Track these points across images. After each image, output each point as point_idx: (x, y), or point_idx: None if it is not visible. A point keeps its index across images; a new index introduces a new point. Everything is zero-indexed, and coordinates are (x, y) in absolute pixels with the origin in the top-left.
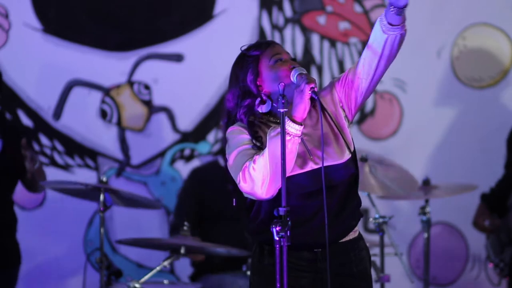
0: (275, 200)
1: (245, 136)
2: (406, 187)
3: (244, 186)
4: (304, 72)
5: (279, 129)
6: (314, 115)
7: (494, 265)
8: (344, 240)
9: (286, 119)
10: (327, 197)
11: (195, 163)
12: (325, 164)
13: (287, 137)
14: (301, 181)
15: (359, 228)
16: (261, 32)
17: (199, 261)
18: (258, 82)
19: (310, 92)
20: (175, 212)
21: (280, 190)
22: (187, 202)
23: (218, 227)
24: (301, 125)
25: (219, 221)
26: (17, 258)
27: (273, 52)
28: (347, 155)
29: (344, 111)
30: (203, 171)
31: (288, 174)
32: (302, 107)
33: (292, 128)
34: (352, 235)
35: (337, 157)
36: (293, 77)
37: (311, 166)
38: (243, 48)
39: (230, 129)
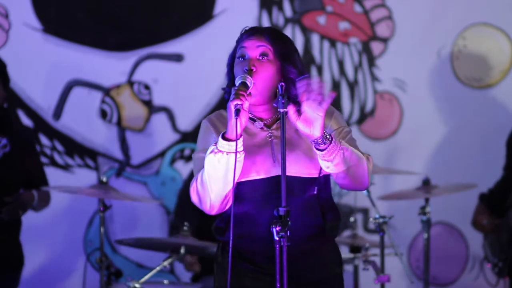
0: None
1: (208, 142)
2: None
3: (194, 200)
4: (240, 82)
5: (213, 148)
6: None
7: (493, 265)
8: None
9: (220, 136)
10: (286, 205)
11: None
12: (289, 174)
13: (220, 155)
14: (259, 186)
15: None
16: None
17: (194, 271)
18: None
19: (234, 109)
20: (174, 212)
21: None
22: (185, 203)
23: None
24: (232, 140)
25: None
26: (20, 260)
27: (242, 44)
28: (314, 174)
29: None
30: None
31: (247, 179)
32: (231, 124)
33: (223, 145)
34: (305, 247)
35: (302, 170)
36: (236, 83)
37: (273, 172)
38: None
39: (203, 122)
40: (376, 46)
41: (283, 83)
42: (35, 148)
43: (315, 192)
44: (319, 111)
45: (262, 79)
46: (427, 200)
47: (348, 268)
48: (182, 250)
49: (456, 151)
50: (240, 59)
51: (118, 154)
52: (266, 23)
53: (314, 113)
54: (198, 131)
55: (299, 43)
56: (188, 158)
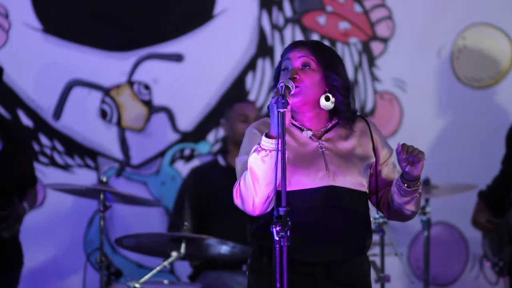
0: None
1: (254, 144)
2: None
3: (237, 203)
4: (282, 85)
5: (257, 147)
6: (344, 132)
7: (493, 264)
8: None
9: (263, 134)
10: (332, 215)
11: (195, 163)
12: (340, 184)
13: (263, 153)
14: (309, 196)
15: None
16: (261, 32)
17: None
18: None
19: (275, 104)
20: (172, 211)
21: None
22: (184, 202)
23: (217, 226)
24: (275, 138)
25: (219, 220)
26: (20, 260)
27: (286, 57)
28: (363, 188)
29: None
30: (202, 170)
31: (297, 188)
32: (275, 122)
33: (266, 143)
34: (351, 259)
35: (354, 183)
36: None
37: (325, 182)
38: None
39: (249, 128)
40: (376, 46)
41: (283, 83)
42: (31, 148)
43: (363, 208)
44: (419, 157)
45: (306, 88)
46: (427, 200)
47: None
48: (182, 250)
49: (456, 151)
50: (285, 70)
51: (118, 154)
52: (266, 23)
53: (416, 163)
54: (198, 131)
55: None
56: (188, 158)
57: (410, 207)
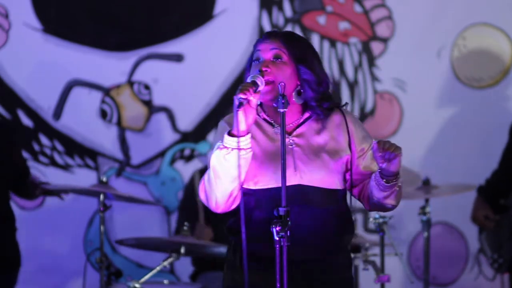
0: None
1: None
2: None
3: (201, 198)
4: (248, 81)
5: (219, 144)
6: (317, 126)
7: (493, 260)
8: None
9: (226, 132)
10: (300, 215)
11: (195, 163)
12: (310, 184)
13: (225, 151)
14: (276, 195)
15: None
16: (261, 32)
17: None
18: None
19: (237, 103)
20: (178, 213)
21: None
22: (191, 202)
23: (218, 226)
24: (237, 136)
25: (219, 221)
26: (17, 260)
27: (258, 48)
28: (333, 185)
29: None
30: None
31: (264, 186)
32: (236, 119)
33: (228, 141)
34: (319, 258)
35: (323, 181)
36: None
37: (292, 180)
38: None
39: (220, 122)
40: (376, 46)
41: (283, 83)
42: (16, 139)
43: (335, 205)
44: (396, 154)
45: (278, 79)
46: (427, 200)
47: None
48: (182, 250)
49: (456, 151)
50: (256, 62)
51: (118, 154)
52: (266, 23)
53: (392, 160)
54: (198, 131)
55: None
56: (188, 158)
57: (390, 201)
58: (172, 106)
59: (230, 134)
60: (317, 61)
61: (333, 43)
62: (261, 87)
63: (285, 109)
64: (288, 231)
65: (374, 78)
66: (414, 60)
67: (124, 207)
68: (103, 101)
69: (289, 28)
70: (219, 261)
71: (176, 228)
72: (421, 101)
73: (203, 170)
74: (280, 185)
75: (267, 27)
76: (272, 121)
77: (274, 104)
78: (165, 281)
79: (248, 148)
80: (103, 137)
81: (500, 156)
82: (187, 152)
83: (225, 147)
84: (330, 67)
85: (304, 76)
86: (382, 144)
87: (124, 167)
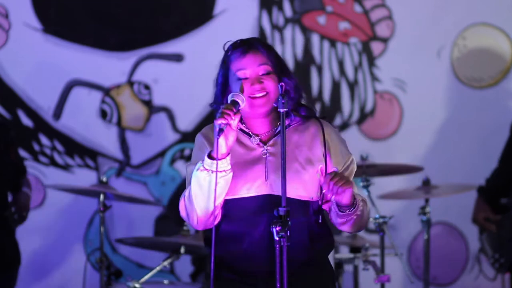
0: (226, 217)
1: (201, 156)
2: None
3: (182, 215)
4: (231, 100)
5: (199, 166)
6: (293, 136)
7: (494, 260)
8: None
9: (206, 154)
10: (270, 224)
11: None
12: (277, 193)
13: (205, 173)
14: (246, 205)
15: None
16: (261, 32)
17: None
18: (224, 87)
19: (218, 129)
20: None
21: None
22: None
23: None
24: (216, 159)
25: None
26: (17, 259)
27: (241, 65)
28: (305, 197)
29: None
30: None
31: (234, 196)
32: (216, 145)
33: (208, 164)
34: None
35: (294, 192)
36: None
37: (262, 190)
38: (230, 42)
39: (197, 136)
40: (376, 46)
41: (283, 83)
42: (14, 138)
43: (305, 217)
44: (346, 190)
45: (272, 94)
46: (427, 200)
47: (348, 268)
48: (182, 250)
49: (456, 151)
50: (241, 79)
51: (118, 154)
52: (266, 23)
53: (342, 193)
54: (198, 131)
55: (299, 43)
56: (188, 158)
57: (346, 228)
58: (172, 106)
59: (210, 157)
60: (290, 70)
61: (333, 43)
62: (242, 104)
63: (285, 109)
64: (288, 231)
65: (374, 78)
66: (414, 60)
67: (124, 207)
68: (103, 101)
69: (289, 28)
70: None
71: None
72: (421, 101)
73: None
74: (250, 195)
75: (267, 27)
76: (249, 131)
77: (274, 104)
78: (165, 281)
79: (228, 169)
80: (103, 137)
81: (499, 155)
82: (187, 152)
83: (206, 169)
84: (330, 67)
85: (287, 86)
86: (331, 178)
87: (124, 167)
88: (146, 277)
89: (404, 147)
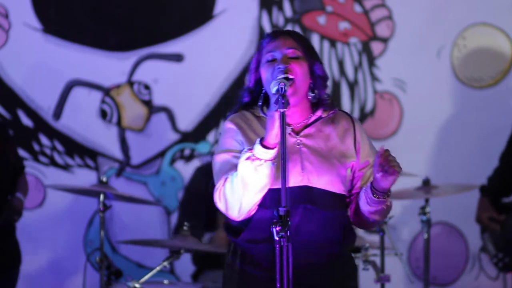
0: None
1: (234, 144)
2: None
3: (220, 206)
4: (281, 89)
5: (250, 155)
6: (325, 128)
7: (497, 259)
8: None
9: (257, 142)
10: (305, 217)
11: (195, 163)
12: (317, 186)
13: (257, 162)
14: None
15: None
16: (261, 32)
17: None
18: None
19: (279, 118)
20: (179, 211)
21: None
22: (190, 201)
23: (218, 225)
24: (271, 148)
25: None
26: (17, 258)
27: (271, 47)
28: (340, 190)
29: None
30: (208, 168)
31: (273, 186)
32: (273, 133)
33: (261, 152)
34: (321, 261)
35: (331, 185)
36: (272, 89)
37: (299, 181)
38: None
39: (227, 123)
40: (376, 46)
41: (283, 82)
42: (12, 137)
43: (339, 210)
44: (394, 174)
45: (299, 79)
46: (427, 200)
47: None
48: (182, 250)
49: (456, 151)
50: (271, 62)
51: (118, 154)
52: (266, 23)
53: (389, 174)
54: (198, 131)
55: None
56: (188, 158)
57: (374, 216)
58: (172, 106)
59: (263, 145)
60: (320, 60)
61: (333, 43)
62: (288, 90)
63: (285, 109)
64: (288, 231)
65: (374, 78)
66: (414, 60)
67: (124, 207)
68: (103, 101)
69: (289, 28)
70: (220, 260)
71: (176, 227)
72: (421, 101)
73: (201, 168)
74: (287, 185)
75: (267, 27)
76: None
77: (273, 104)
78: (165, 281)
79: (275, 159)
80: (103, 137)
81: (500, 154)
82: (187, 152)
83: (257, 158)
84: (330, 67)
85: (318, 73)
86: (387, 154)
87: (124, 167)
88: (146, 277)
89: (404, 147)
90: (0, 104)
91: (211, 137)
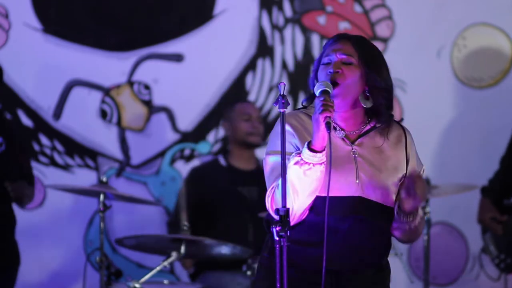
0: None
1: (286, 145)
2: None
3: (272, 213)
4: (325, 92)
5: (298, 159)
6: (379, 139)
7: (499, 260)
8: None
9: (305, 146)
10: (355, 227)
11: (195, 163)
12: (368, 197)
13: (306, 166)
14: (334, 203)
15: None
16: (261, 32)
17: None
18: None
19: (324, 122)
20: (173, 211)
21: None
22: (185, 202)
23: (218, 226)
24: (319, 152)
25: (219, 220)
26: (16, 259)
27: (329, 50)
28: (391, 203)
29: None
30: (203, 170)
31: (323, 193)
32: (319, 136)
33: (309, 156)
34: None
35: (384, 198)
36: (316, 91)
37: (353, 192)
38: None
39: (285, 123)
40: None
41: (283, 82)
42: (30, 148)
43: (387, 223)
44: (416, 200)
45: (347, 84)
46: (427, 200)
47: None
48: (182, 250)
49: (456, 151)
50: (325, 65)
51: (118, 154)
52: (266, 23)
53: (411, 199)
54: (198, 131)
55: (299, 43)
56: (188, 158)
57: (396, 233)
58: (172, 106)
59: (310, 149)
60: (385, 68)
61: None
62: (331, 91)
63: (285, 109)
64: (288, 231)
65: None
66: (414, 60)
67: (124, 207)
68: (103, 101)
69: (289, 28)
70: (220, 261)
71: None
72: (421, 101)
73: (196, 170)
74: (341, 194)
75: (267, 27)
76: (335, 124)
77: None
78: (165, 281)
79: (324, 162)
80: (103, 137)
81: (499, 158)
82: (187, 152)
83: (306, 162)
84: None
85: (373, 82)
86: (417, 177)
87: (124, 167)
88: (146, 277)
89: None
90: (0, 104)
91: (211, 137)
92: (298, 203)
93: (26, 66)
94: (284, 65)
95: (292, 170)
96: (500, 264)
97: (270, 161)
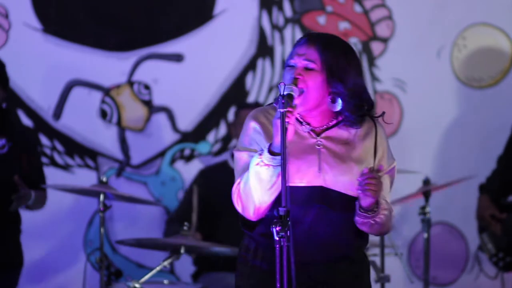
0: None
1: (252, 141)
2: None
3: (237, 207)
4: (288, 95)
5: (259, 161)
6: (346, 132)
7: (498, 258)
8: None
9: (265, 150)
10: (318, 217)
11: (195, 163)
12: (334, 188)
13: (266, 168)
14: (296, 193)
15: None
16: (261, 32)
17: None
18: None
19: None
20: (177, 209)
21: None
22: (192, 202)
23: (223, 227)
24: (278, 155)
25: (226, 221)
26: (20, 260)
27: (294, 53)
28: (355, 193)
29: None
30: (212, 171)
31: (289, 184)
32: (279, 140)
33: (269, 159)
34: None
35: (348, 188)
36: (280, 93)
37: (315, 181)
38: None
39: (250, 121)
40: (376, 46)
41: (283, 82)
42: (36, 149)
43: (353, 213)
44: (369, 196)
45: (307, 89)
46: (427, 200)
47: None
48: (182, 250)
49: (456, 151)
50: (288, 67)
51: (118, 154)
52: (266, 23)
53: (364, 195)
54: (198, 131)
55: None
56: (188, 158)
57: (363, 228)
58: (172, 106)
59: (271, 152)
60: (353, 72)
61: None
62: (296, 95)
63: (285, 109)
64: (288, 231)
65: (374, 78)
66: (414, 60)
67: (124, 207)
68: (103, 101)
69: (289, 28)
70: (221, 261)
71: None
72: (421, 101)
73: (205, 171)
74: (302, 184)
75: (267, 27)
76: (301, 119)
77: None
78: (165, 281)
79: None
80: (103, 137)
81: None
82: (187, 152)
83: (266, 164)
84: None
85: (334, 89)
86: (368, 173)
87: (124, 167)
88: (146, 277)
89: (404, 147)
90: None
91: (211, 137)
92: (259, 201)
93: (26, 66)
94: (284, 65)
95: (254, 170)
96: (499, 263)
97: (237, 157)
